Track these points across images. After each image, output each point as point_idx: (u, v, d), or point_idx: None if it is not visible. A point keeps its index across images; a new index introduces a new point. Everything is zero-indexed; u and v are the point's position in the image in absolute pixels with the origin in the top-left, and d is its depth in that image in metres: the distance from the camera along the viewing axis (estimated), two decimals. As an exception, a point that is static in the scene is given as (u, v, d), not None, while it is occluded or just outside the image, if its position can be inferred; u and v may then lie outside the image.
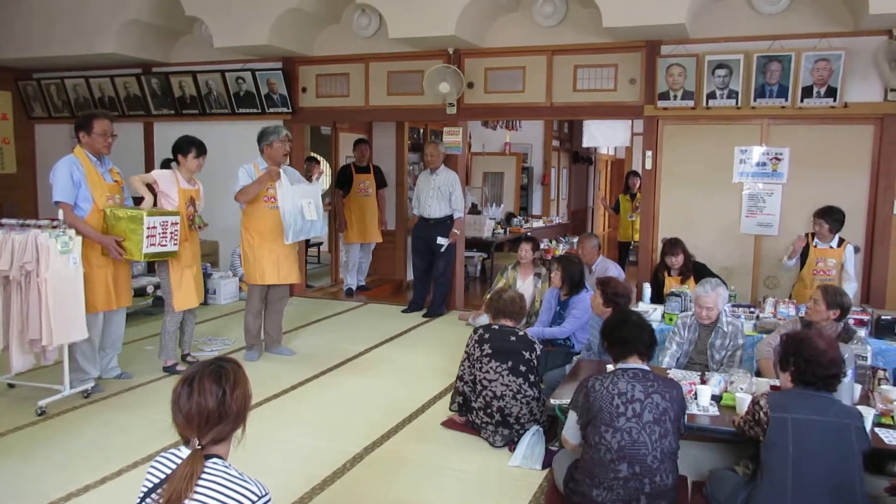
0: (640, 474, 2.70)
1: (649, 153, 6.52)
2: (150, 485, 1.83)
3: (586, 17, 6.47)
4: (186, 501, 1.75)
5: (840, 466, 2.57)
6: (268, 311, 5.63)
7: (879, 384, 3.47)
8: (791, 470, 2.57)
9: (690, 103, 6.19)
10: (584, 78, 6.68)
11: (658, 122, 6.44)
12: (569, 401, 3.05)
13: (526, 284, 5.93)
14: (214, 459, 1.82)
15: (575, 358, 4.45)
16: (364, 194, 8.10)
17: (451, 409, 4.27)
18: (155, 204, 4.89)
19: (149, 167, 8.36)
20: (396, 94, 7.36)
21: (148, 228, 4.57)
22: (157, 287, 6.74)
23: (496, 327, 4.08)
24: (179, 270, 5.03)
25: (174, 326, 5.15)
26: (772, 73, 5.88)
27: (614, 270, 5.88)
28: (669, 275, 5.49)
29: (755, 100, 5.97)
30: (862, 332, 4.20)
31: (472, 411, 4.04)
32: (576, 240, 8.44)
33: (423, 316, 7.12)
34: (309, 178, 8.69)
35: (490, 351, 3.95)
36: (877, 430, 3.08)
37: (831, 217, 5.18)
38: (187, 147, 5.00)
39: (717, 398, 3.42)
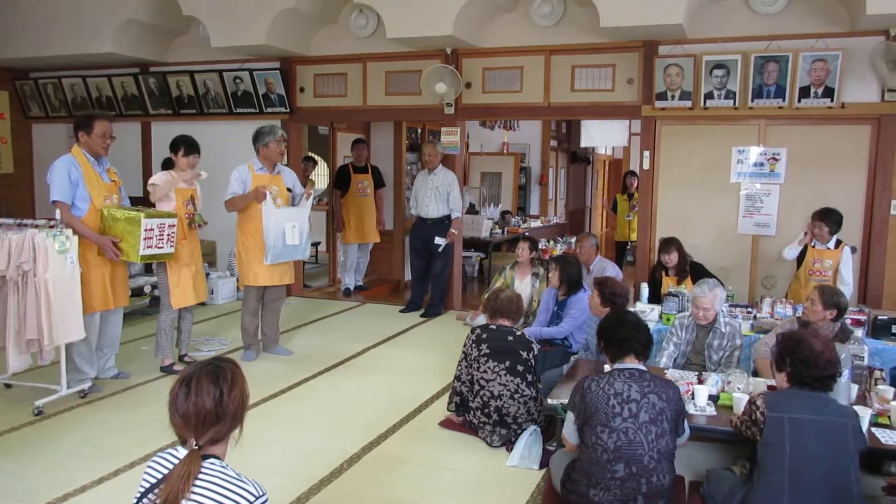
0: (636, 474, 2.70)
1: (647, 153, 6.52)
2: (147, 485, 1.83)
3: (584, 17, 6.47)
4: (183, 502, 1.74)
5: (837, 466, 2.57)
6: (265, 312, 5.63)
7: (876, 384, 3.48)
8: (788, 470, 2.57)
9: (688, 103, 6.19)
10: (581, 78, 6.68)
11: (656, 122, 6.44)
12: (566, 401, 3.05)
13: (524, 284, 5.94)
14: (212, 459, 1.82)
15: (572, 358, 4.45)
16: (362, 194, 8.10)
17: (448, 409, 4.27)
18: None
19: (146, 167, 8.37)
20: (394, 94, 7.36)
21: (145, 231, 4.56)
22: (154, 287, 6.73)
23: (494, 327, 4.08)
24: (178, 268, 5.03)
25: (169, 324, 5.14)
26: (769, 74, 5.88)
27: (612, 270, 5.89)
28: (667, 274, 5.50)
29: (753, 100, 5.98)
30: (859, 332, 4.21)
31: (470, 411, 4.04)
32: (574, 239, 8.46)
33: (421, 316, 7.12)
34: (306, 178, 8.75)
35: (488, 351, 3.95)
36: (874, 429, 3.09)
37: (831, 219, 5.18)
38: (178, 145, 5.03)
39: (714, 398, 3.43)
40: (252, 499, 1.78)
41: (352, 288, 8.22)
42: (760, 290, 6.19)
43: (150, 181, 4.97)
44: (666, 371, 3.88)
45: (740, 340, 4.11)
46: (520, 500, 3.35)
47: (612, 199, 9.68)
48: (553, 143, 12.13)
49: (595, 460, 2.75)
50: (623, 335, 2.97)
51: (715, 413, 3.28)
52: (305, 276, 8.69)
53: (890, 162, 5.79)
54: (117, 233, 4.59)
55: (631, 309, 4.79)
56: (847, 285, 5.13)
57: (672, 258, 5.41)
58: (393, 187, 8.77)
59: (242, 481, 1.80)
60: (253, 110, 7.77)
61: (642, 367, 2.92)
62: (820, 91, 5.78)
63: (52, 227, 4.30)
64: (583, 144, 12.60)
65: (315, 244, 10.30)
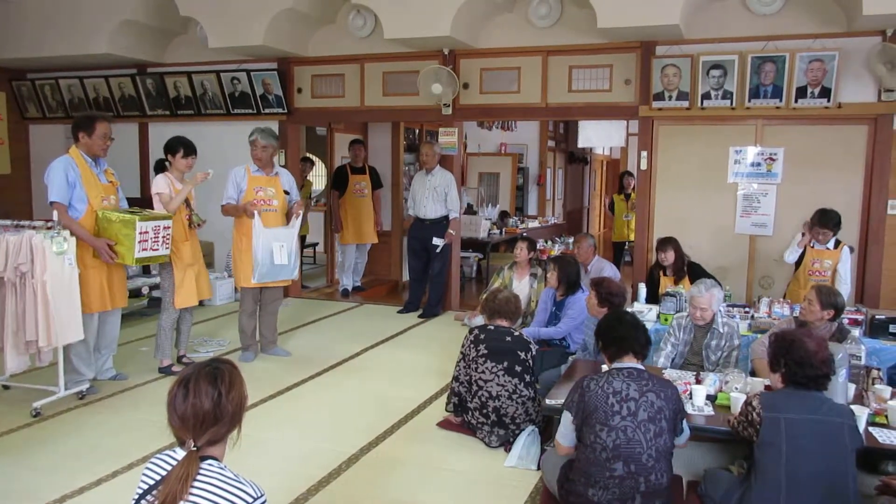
0: (635, 473, 2.71)
1: (644, 153, 6.53)
2: (146, 486, 1.83)
3: (581, 17, 6.48)
4: (181, 503, 1.75)
5: (833, 465, 2.58)
6: (262, 313, 5.63)
7: (873, 383, 3.49)
8: (785, 469, 2.58)
9: (685, 104, 6.20)
10: (579, 78, 6.69)
11: (653, 122, 6.45)
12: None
13: (522, 285, 5.94)
14: (210, 461, 1.82)
15: (570, 358, 4.46)
16: (359, 195, 8.10)
17: (446, 410, 4.27)
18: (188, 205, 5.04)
19: (143, 168, 8.36)
20: (392, 95, 7.37)
21: (140, 234, 4.55)
22: (152, 288, 6.73)
23: (492, 328, 4.08)
24: (182, 269, 5.04)
25: (170, 324, 5.14)
26: (766, 74, 5.90)
27: (610, 271, 5.89)
28: (664, 274, 5.51)
29: (750, 100, 5.99)
30: (856, 332, 4.22)
31: (468, 412, 4.04)
32: (571, 240, 8.47)
33: (419, 316, 7.13)
34: (304, 179, 8.76)
35: (486, 351, 3.95)
36: (871, 429, 3.10)
37: (831, 222, 5.18)
38: (176, 147, 5.02)
39: (712, 398, 3.44)
40: (250, 500, 1.78)
41: (350, 289, 8.22)
42: (758, 290, 6.20)
43: (155, 190, 4.97)
44: (664, 371, 3.88)
45: (738, 340, 4.12)
46: (518, 501, 3.35)
47: (610, 199, 9.67)
48: (551, 143, 12.14)
49: (594, 459, 2.75)
50: (621, 334, 2.98)
51: (713, 413, 3.29)
52: (303, 277, 8.68)
53: (886, 161, 5.81)
54: (112, 235, 4.58)
55: (629, 309, 4.81)
56: (845, 285, 5.14)
57: (668, 256, 5.42)
58: (391, 188, 8.77)
59: (240, 482, 1.80)
60: (250, 111, 7.76)
61: (640, 367, 2.93)
62: (817, 91, 5.80)
63: (49, 228, 4.29)
64: (580, 145, 12.60)
65: (313, 245, 10.31)
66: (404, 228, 8.29)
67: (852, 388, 3.43)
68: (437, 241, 7.01)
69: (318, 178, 11.15)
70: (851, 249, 5.38)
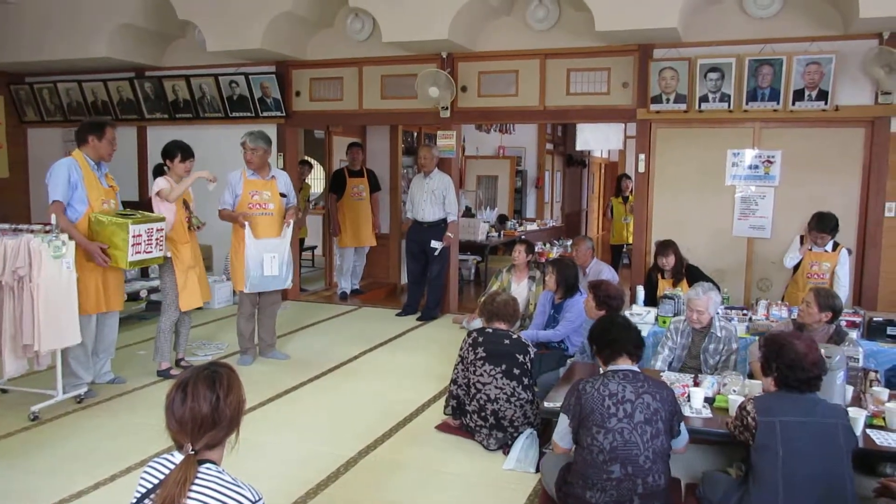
0: (632, 475, 2.71)
1: (642, 156, 6.54)
2: (144, 490, 1.83)
3: (579, 20, 6.49)
4: (180, 507, 1.75)
5: (829, 466, 2.59)
6: (260, 316, 5.63)
7: (871, 386, 3.50)
8: (781, 472, 2.58)
9: (683, 107, 6.21)
10: (576, 81, 6.70)
11: (651, 125, 6.46)
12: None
13: (520, 287, 5.94)
14: (208, 465, 1.82)
15: (569, 361, 4.46)
16: (357, 198, 8.10)
17: (445, 413, 4.27)
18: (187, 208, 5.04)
19: (142, 171, 8.36)
20: (390, 98, 7.37)
21: (133, 237, 4.53)
22: (150, 291, 6.72)
23: (490, 331, 4.08)
24: (184, 272, 5.04)
25: (170, 327, 5.14)
26: (763, 77, 5.91)
27: (608, 273, 5.90)
28: (663, 277, 5.51)
29: (747, 103, 6.00)
30: (854, 334, 4.23)
31: (466, 415, 4.04)
32: (570, 242, 8.47)
33: (418, 319, 7.13)
34: (302, 182, 8.76)
35: (484, 354, 3.96)
36: (868, 431, 3.10)
37: (829, 226, 5.19)
38: (174, 151, 5.03)
39: (709, 400, 3.44)
40: (248, 503, 1.78)
41: (348, 292, 8.21)
42: (756, 293, 6.21)
43: (157, 190, 4.97)
44: (662, 373, 3.88)
45: (736, 344, 4.11)
46: (516, 504, 3.36)
47: (608, 204, 9.68)
48: (549, 146, 12.16)
49: (591, 462, 2.76)
50: (614, 336, 2.99)
51: (711, 415, 3.29)
52: (302, 281, 8.68)
53: (883, 164, 5.82)
54: (105, 238, 4.55)
55: (627, 311, 4.82)
56: (843, 287, 5.15)
57: (669, 261, 5.42)
58: (389, 191, 8.78)
59: (238, 486, 1.80)
60: (249, 115, 7.77)
61: (636, 369, 2.93)
62: (814, 94, 5.81)
63: (47, 232, 4.29)
64: (578, 148, 12.62)
65: (311, 248, 10.31)
66: (403, 231, 8.29)
67: (850, 390, 3.43)
68: (435, 243, 7.02)
69: (317, 181, 11.15)
70: (849, 252, 5.40)
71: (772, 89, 5.91)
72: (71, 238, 4.41)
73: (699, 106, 6.16)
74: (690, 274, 5.42)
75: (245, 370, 5.20)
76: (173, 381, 1.90)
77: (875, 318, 4.48)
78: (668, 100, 6.24)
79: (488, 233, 9.08)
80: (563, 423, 2.90)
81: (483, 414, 3.92)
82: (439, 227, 7.05)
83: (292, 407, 4.66)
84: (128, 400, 4.73)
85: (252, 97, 7.67)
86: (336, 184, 8.14)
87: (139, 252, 4.61)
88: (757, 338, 4.30)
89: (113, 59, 7.58)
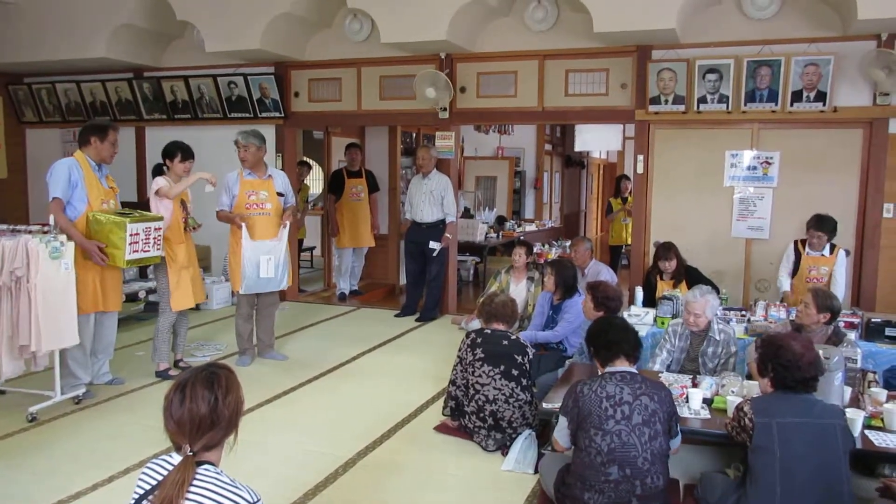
0: (630, 476, 2.71)
1: (641, 157, 6.54)
2: (142, 491, 1.83)
3: (577, 22, 6.49)
4: (178, 508, 1.74)
5: (827, 467, 2.59)
6: (259, 317, 5.62)
7: (869, 386, 3.50)
8: (779, 473, 2.58)
9: (681, 108, 6.22)
10: (575, 82, 6.70)
11: (649, 126, 6.47)
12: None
13: (519, 288, 5.94)
14: (206, 466, 1.82)
15: (567, 362, 4.46)
16: (356, 199, 8.10)
17: (443, 414, 4.27)
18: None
19: (140, 172, 8.35)
20: (389, 99, 7.37)
21: (131, 236, 4.53)
22: (149, 292, 6.72)
23: (488, 331, 4.08)
24: (177, 272, 5.03)
25: (168, 327, 5.14)
26: (762, 78, 5.91)
27: (607, 274, 5.90)
28: (662, 278, 5.51)
29: (746, 104, 6.01)
30: (852, 335, 4.23)
31: (465, 415, 4.04)
32: (568, 243, 8.47)
33: (416, 320, 7.12)
34: (301, 183, 8.75)
35: (482, 355, 3.96)
36: (867, 432, 3.10)
37: (827, 227, 5.20)
38: (174, 152, 5.03)
39: (708, 401, 3.44)
40: (246, 504, 1.78)
41: (347, 292, 8.21)
42: (754, 294, 6.21)
43: (155, 189, 4.97)
44: (661, 374, 3.88)
45: (735, 347, 4.09)
46: (515, 505, 3.35)
47: (607, 205, 9.67)
48: (548, 147, 12.16)
49: (589, 463, 2.76)
50: (611, 338, 2.99)
51: (709, 416, 3.29)
52: (301, 281, 8.68)
53: (882, 165, 5.83)
54: (102, 237, 4.56)
55: (626, 313, 4.82)
56: (840, 287, 5.16)
57: (671, 264, 5.40)
58: (388, 192, 8.77)
59: (237, 487, 1.80)
60: (247, 115, 7.76)
61: (633, 370, 2.93)
62: (812, 95, 5.82)
63: (45, 232, 4.29)
64: (577, 149, 12.64)
65: (310, 249, 10.30)
66: (401, 232, 8.29)
67: (848, 391, 3.43)
68: (433, 244, 7.02)
69: (315, 181, 11.15)
70: (847, 253, 5.40)
71: (770, 90, 5.91)
72: (69, 236, 4.41)
73: (698, 107, 6.16)
74: (690, 275, 5.42)
75: (243, 371, 5.20)
76: (172, 382, 1.89)
77: (873, 319, 4.48)
78: (666, 101, 6.24)
79: (487, 233, 9.08)
80: (563, 424, 2.90)
81: (482, 415, 3.92)
82: (438, 228, 7.05)
83: (291, 408, 4.65)
84: (126, 401, 4.72)
85: (251, 98, 7.66)
86: (335, 184, 8.14)
87: (137, 251, 4.61)
88: (755, 339, 4.31)
89: (112, 59, 7.58)
